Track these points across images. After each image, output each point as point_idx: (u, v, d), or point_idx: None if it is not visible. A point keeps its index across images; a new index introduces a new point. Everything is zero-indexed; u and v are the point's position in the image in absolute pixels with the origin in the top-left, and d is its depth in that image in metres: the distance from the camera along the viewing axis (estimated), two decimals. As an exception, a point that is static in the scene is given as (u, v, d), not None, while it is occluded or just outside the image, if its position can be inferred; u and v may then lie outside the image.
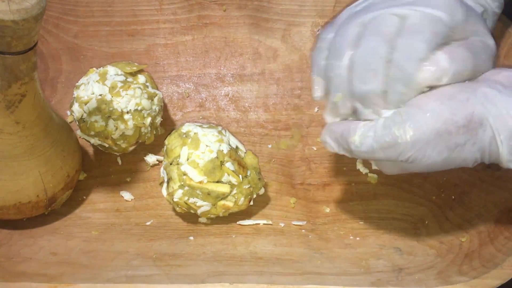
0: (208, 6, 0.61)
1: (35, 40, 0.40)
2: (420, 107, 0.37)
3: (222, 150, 0.50)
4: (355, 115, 0.41)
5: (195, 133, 0.51)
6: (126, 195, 0.56)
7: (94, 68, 0.56)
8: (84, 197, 0.56)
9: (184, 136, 0.51)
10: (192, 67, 0.63)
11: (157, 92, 0.56)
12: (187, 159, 0.49)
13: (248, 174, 0.51)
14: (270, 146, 0.60)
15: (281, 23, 0.61)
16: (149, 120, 0.54)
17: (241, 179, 0.50)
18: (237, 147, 0.53)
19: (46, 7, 0.39)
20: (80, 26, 0.61)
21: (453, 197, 0.53)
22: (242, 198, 0.50)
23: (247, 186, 0.51)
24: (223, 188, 0.49)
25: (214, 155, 0.49)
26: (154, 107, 0.55)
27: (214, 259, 0.48)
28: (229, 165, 0.50)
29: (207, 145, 0.50)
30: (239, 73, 0.62)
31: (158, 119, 0.57)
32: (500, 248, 0.45)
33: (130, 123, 0.53)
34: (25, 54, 0.40)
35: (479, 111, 0.36)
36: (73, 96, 0.55)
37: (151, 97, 0.55)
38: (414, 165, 0.38)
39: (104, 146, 0.55)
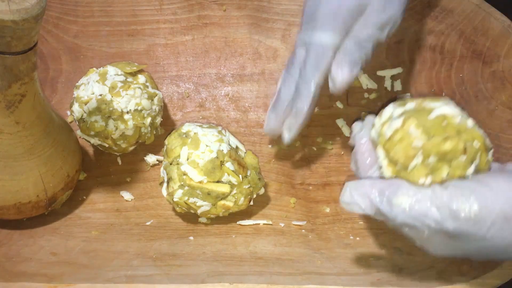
0: (208, 6, 0.61)
1: (35, 40, 0.40)
2: (487, 185, 0.34)
3: (222, 150, 0.50)
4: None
5: (195, 133, 0.51)
6: (126, 195, 0.56)
7: (94, 68, 0.56)
8: (84, 197, 0.56)
9: (184, 136, 0.51)
10: (192, 67, 0.63)
11: (157, 92, 0.56)
12: (187, 159, 0.49)
13: (248, 174, 0.51)
14: (270, 146, 0.60)
15: (281, 23, 0.61)
16: (149, 120, 0.54)
17: (241, 179, 0.50)
18: (237, 147, 0.53)
19: (46, 7, 0.39)
20: (80, 26, 0.61)
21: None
22: (242, 198, 0.50)
23: (247, 186, 0.51)
24: (223, 188, 0.49)
25: (214, 155, 0.49)
26: (154, 107, 0.55)
27: (214, 259, 0.48)
28: (229, 165, 0.50)
29: (207, 145, 0.50)
30: (239, 73, 0.62)
31: (158, 119, 0.57)
32: (500, 248, 0.45)
33: (130, 123, 0.53)
34: (25, 54, 0.40)
35: None
36: (73, 96, 0.55)
37: (151, 97, 0.55)
38: (471, 245, 0.35)
39: (104, 146, 0.55)
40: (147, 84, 0.56)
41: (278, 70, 0.62)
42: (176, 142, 0.51)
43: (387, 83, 0.60)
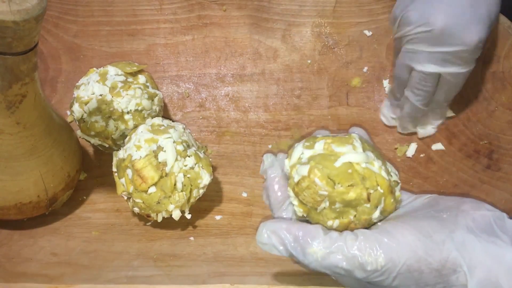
0: (208, 6, 0.61)
1: (36, 40, 0.40)
2: (394, 236, 0.36)
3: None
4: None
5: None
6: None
7: (94, 68, 0.56)
8: (85, 197, 0.56)
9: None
10: (192, 67, 0.63)
11: (157, 92, 0.56)
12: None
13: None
14: (270, 146, 0.60)
15: (281, 23, 0.61)
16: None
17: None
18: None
19: (46, 7, 0.39)
20: (80, 26, 0.61)
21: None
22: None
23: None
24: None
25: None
26: (154, 107, 0.55)
27: (215, 259, 0.48)
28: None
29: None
30: (239, 73, 0.62)
31: (158, 119, 0.57)
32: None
33: (131, 123, 0.53)
34: (25, 54, 0.40)
35: (454, 258, 0.35)
36: (73, 96, 0.55)
37: (151, 97, 0.55)
38: None
39: (104, 146, 0.55)
40: (147, 84, 0.56)
41: (278, 70, 0.62)
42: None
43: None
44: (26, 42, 0.39)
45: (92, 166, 0.58)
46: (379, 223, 0.38)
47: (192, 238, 0.51)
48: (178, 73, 0.63)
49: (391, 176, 0.40)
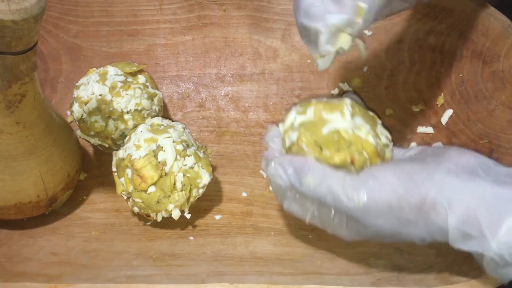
0: (208, 6, 0.61)
1: (35, 40, 0.40)
2: (377, 178, 0.38)
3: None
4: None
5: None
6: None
7: (94, 68, 0.56)
8: (84, 197, 0.56)
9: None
10: (192, 67, 0.63)
11: (157, 92, 0.56)
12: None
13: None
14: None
15: (281, 23, 0.61)
16: (149, 120, 0.54)
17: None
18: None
19: (46, 7, 0.39)
20: (80, 26, 0.61)
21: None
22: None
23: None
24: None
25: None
26: (154, 107, 0.55)
27: (214, 259, 0.48)
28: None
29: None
30: (239, 73, 0.62)
31: (158, 119, 0.57)
32: (500, 248, 0.45)
33: (130, 123, 0.53)
34: (25, 54, 0.40)
35: (433, 196, 0.37)
36: (73, 96, 0.55)
37: (151, 97, 0.55)
38: (365, 229, 0.39)
39: (104, 146, 0.55)
40: (147, 84, 0.56)
41: (278, 70, 0.62)
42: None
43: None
44: (25, 41, 0.39)
45: (92, 166, 0.58)
46: (368, 168, 0.40)
47: (191, 238, 0.51)
48: (178, 73, 0.63)
49: (380, 139, 0.42)
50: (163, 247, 0.50)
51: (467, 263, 0.45)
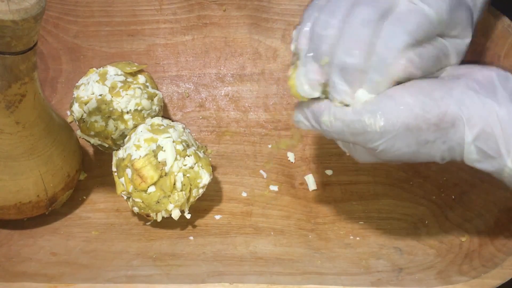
0: (208, 6, 0.61)
1: (35, 40, 0.40)
2: (394, 99, 0.37)
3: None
4: (325, 90, 0.40)
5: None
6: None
7: (94, 68, 0.56)
8: (84, 197, 0.56)
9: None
10: (192, 67, 0.63)
11: (157, 92, 0.56)
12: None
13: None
14: (270, 146, 0.60)
15: (281, 23, 0.61)
16: (149, 120, 0.54)
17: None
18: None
19: (46, 7, 0.39)
20: (80, 26, 0.61)
21: (453, 197, 0.53)
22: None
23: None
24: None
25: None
26: (154, 107, 0.55)
27: (214, 259, 0.48)
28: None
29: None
30: (239, 73, 0.62)
31: (158, 119, 0.57)
32: (500, 248, 0.45)
33: (130, 123, 0.53)
34: (25, 54, 0.40)
35: (452, 111, 0.36)
36: (73, 96, 0.55)
37: (151, 97, 0.55)
38: (384, 154, 0.39)
39: (104, 146, 0.55)
40: (147, 84, 0.56)
41: (278, 70, 0.62)
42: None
43: None
44: (25, 41, 0.39)
45: (92, 166, 0.58)
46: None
47: (191, 238, 0.51)
48: (178, 73, 0.63)
49: None
50: (163, 247, 0.50)
51: (467, 262, 0.45)
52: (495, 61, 0.54)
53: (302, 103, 0.41)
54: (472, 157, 0.37)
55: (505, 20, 0.53)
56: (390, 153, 0.38)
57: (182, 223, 0.52)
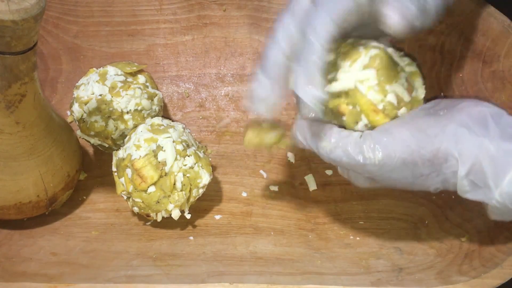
0: (208, 6, 0.61)
1: (35, 40, 0.40)
2: (392, 134, 0.39)
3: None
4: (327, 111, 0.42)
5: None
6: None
7: (94, 68, 0.56)
8: (84, 197, 0.56)
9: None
10: (192, 67, 0.63)
11: (157, 92, 0.56)
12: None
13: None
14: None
15: (281, 23, 0.61)
16: (149, 120, 0.54)
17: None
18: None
19: (46, 7, 0.39)
20: (80, 26, 0.61)
21: (453, 196, 0.53)
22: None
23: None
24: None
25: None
26: (154, 107, 0.55)
27: (214, 259, 0.48)
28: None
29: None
30: (239, 73, 0.62)
31: (158, 119, 0.57)
32: (500, 248, 0.45)
33: (130, 123, 0.53)
34: (25, 54, 0.40)
35: (445, 148, 0.38)
36: (73, 96, 0.55)
37: (151, 97, 0.55)
38: (381, 182, 0.41)
39: (104, 146, 0.55)
40: (147, 84, 0.56)
41: (278, 70, 0.62)
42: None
43: None
44: (25, 41, 0.39)
45: (92, 166, 0.58)
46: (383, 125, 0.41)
47: (191, 238, 0.51)
48: (178, 73, 0.63)
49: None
50: (163, 247, 0.50)
51: (467, 262, 0.45)
52: (495, 61, 0.54)
53: (303, 123, 0.43)
54: (464, 189, 0.39)
55: (505, 20, 0.53)
56: (387, 182, 0.41)
57: (182, 223, 0.52)
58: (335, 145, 0.40)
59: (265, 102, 0.41)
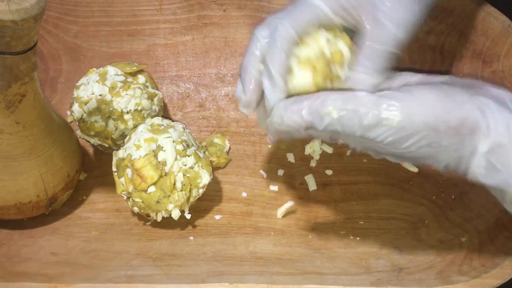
0: (208, 6, 0.61)
1: (35, 40, 0.40)
2: (415, 95, 0.35)
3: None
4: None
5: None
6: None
7: (94, 68, 0.56)
8: (84, 197, 0.56)
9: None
10: (192, 67, 0.63)
11: (157, 92, 0.56)
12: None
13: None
14: (270, 146, 0.60)
15: (281, 23, 0.61)
16: (149, 120, 0.54)
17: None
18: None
19: (46, 7, 0.39)
20: (80, 26, 0.61)
21: (453, 197, 0.53)
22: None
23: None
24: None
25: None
26: (154, 107, 0.55)
27: (214, 259, 0.48)
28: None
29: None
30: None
31: (158, 119, 0.57)
32: (500, 248, 0.45)
33: (130, 123, 0.53)
34: (24, 54, 0.40)
35: (474, 117, 0.35)
36: (73, 96, 0.55)
37: (151, 97, 0.55)
38: (387, 149, 0.37)
39: (104, 146, 0.55)
40: (147, 84, 0.56)
41: (278, 70, 0.62)
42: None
43: None
44: (25, 41, 0.39)
45: (92, 166, 0.58)
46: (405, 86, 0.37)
47: (191, 238, 0.51)
48: (178, 73, 0.63)
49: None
50: (163, 247, 0.50)
51: (467, 263, 0.45)
52: (495, 61, 0.54)
53: (288, 101, 0.38)
54: (479, 170, 0.36)
55: (505, 20, 0.53)
56: (397, 151, 0.36)
57: (182, 223, 0.52)
58: (342, 107, 0.35)
59: (246, 105, 0.41)
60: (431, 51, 0.58)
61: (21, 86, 0.42)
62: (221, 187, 0.57)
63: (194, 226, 0.53)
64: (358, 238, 0.51)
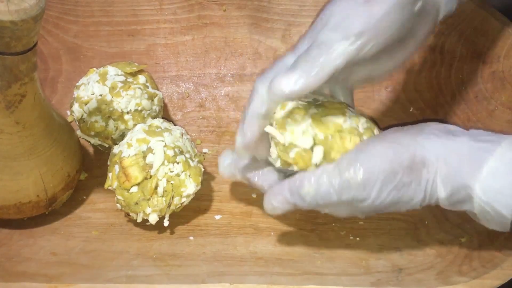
0: (208, 6, 0.61)
1: (35, 40, 0.40)
2: (367, 151, 0.40)
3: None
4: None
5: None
6: (126, 195, 0.56)
7: (94, 68, 0.56)
8: (85, 197, 0.56)
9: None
10: (192, 67, 0.63)
11: (157, 92, 0.56)
12: None
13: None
14: (270, 146, 0.60)
15: (281, 23, 0.61)
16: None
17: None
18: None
19: (46, 7, 0.39)
20: (80, 26, 0.61)
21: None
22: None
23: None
24: None
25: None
26: (154, 107, 0.55)
27: (214, 259, 0.48)
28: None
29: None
30: (239, 73, 0.62)
31: (158, 119, 0.57)
32: (500, 248, 0.45)
33: (130, 124, 0.53)
34: (24, 54, 0.40)
35: (420, 152, 0.39)
36: (73, 96, 0.55)
37: (151, 97, 0.55)
38: (366, 206, 0.40)
39: (104, 146, 0.55)
40: (147, 84, 0.56)
41: (278, 70, 0.62)
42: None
43: None
44: (25, 42, 0.39)
45: (92, 166, 0.58)
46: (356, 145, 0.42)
47: (191, 238, 0.51)
48: (178, 73, 0.63)
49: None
50: (163, 247, 0.50)
51: (466, 263, 0.45)
52: (495, 61, 0.54)
53: (271, 190, 0.44)
54: (442, 196, 0.39)
55: (505, 20, 0.53)
56: (373, 203, 0.40)
57: (182, 223, 0.52)
58: (317, 182, 0.40)
59: (248, 150, 0.44)
60: (431, 51, 0.58)
61: (21, 86, 0.43)
62: (221, 187, 0.57)
63: (194, 226, 0.53)
64: (358, 239, 0.51)
